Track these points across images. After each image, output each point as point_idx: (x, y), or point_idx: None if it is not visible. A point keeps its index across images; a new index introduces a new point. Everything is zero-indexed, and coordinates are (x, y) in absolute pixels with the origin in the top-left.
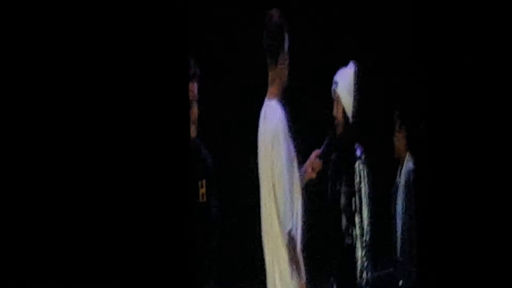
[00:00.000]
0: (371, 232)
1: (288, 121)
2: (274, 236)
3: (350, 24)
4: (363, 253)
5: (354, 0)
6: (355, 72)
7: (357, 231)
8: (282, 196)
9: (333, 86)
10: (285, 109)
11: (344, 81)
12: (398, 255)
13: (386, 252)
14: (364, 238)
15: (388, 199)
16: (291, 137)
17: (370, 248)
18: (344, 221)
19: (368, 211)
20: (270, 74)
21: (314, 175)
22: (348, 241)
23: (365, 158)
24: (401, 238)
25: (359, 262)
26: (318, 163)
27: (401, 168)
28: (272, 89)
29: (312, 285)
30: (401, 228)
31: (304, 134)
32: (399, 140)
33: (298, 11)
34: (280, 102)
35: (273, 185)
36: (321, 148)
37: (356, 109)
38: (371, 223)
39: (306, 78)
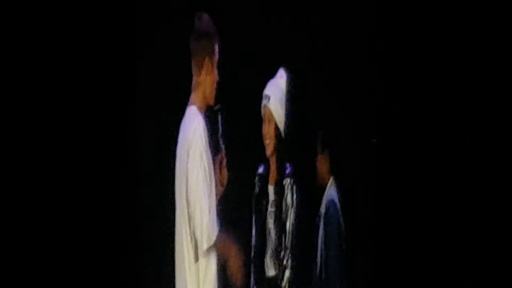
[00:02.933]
0: (295, 265)
1: (207, 130)
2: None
3: (284, 32)
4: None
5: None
6: (286, 80)
7: (282, 262)
8: (199, 213)
9: (264, 101)
10: (205, 117)
11: (276, 94)
12: None
13: None
14: (287, 271)
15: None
16: (210, 147)
17: (292, 284)
18: (269, 250)
19: (293, 242)
20: (194, 80)
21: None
22: (270, 272)
23: (294, 178)
24: (320, 277)
25: None
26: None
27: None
28: (194, 95)
29: None
30: (320, 266)
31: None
32: (322, 163)
33: (230, 16)
34: (199, 109)
35: (187, 202)
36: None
37: (288, 122)
38: (295, 256)
39: (234, 87)
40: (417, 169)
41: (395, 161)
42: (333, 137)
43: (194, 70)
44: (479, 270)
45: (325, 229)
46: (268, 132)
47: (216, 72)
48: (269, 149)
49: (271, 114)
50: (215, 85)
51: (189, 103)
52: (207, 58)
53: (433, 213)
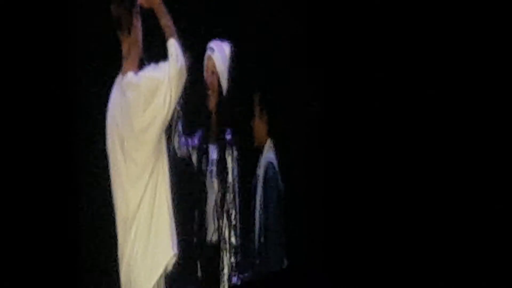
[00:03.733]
0: (237, 231)
1: None
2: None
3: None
4: (227, 254)
5: None
6: (230, 50)
7: (224, 229)
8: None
9: (209, 52)
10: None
11: (221, 51)
12: (256, 257)
13: (247, 254)
14: (229, 237)
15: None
16: None
17: (236, 250)
18: (210, 217)
19: (235, 207)
20: (124, 46)
21: None
22: (211, 235)
23: (234, 144)
24: (258, 239)
25: (223, 265)
26: None
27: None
28: (130, 61)
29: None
30: (259, 228)
31: None
32: (259, 126)
33: None
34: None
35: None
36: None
37: (230, 85)
38: (237, 221)
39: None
40: (355, 129)
41: (333, 123)
42: (270, 100)
43: (122, 36)
44: (418, 234)
45: (264, 191)
46: (211, 83)
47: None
48: (212, 101)
49: (214, 66)
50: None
51: (124, 71)
52: (133, 18)
53: (370, 173)
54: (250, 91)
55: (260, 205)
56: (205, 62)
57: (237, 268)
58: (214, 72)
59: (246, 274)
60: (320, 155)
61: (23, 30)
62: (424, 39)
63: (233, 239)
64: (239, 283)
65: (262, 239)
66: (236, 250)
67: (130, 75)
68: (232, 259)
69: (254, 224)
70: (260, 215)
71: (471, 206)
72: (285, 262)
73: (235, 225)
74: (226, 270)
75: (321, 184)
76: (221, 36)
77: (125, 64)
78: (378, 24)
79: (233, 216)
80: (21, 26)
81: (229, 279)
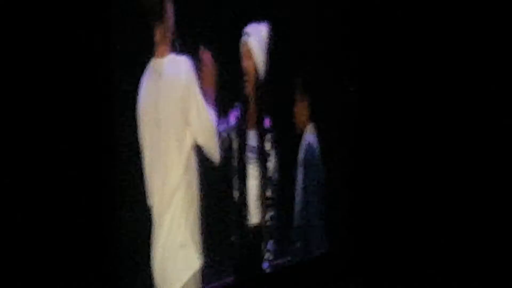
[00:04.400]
0: (276, 212)
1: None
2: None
3: None
4: (268, 235)
5: None
6: (267, 31)
7: (264, 215)
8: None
9: (244, 38)
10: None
11: (257, 35)
12: (297, 240)
13: (287, 237)
14: (268, 219)
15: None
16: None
17: (275, 231)
18: (250, 204)
19: (275, 193)
20: (158, 32)
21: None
22: (253, 220)
23: (273, 130)
24: (300, 222)
25: (263, 247)
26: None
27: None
28: (163, 47)
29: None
30: (300, 211)
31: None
32: (300, 110)
33: None
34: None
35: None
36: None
37: (268, 69)
38: (276, 205)
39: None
40: (395, 115)
41: (374, 108)
42: (311, 85)
43: (154, 23)
44: (454, 216)
45: (304, 175)
46: (247, 68)
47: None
48: (249, 86)
49: (250, 51)
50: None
51: (157, 55)
52: (165, 5)
53: (410, 157)
54: (289, 75)
55: (301, 189)
56: (241, 48)
57: (277, 252)
58: (250, 58)
59: (287, 259)
60: (358, 138)
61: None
62: (463, 23)
63: (273, 224)
64: (278, 267)
65: (303, 223)
66: (276, 235)
67: (168, 58)
68: (272, 244)
69: (294, 208)
70: (300, 199)
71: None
72: (327, 247)
73: (275, 210)
74: (266, 255)
75: (361, 168)
76: (258, 19)
77: (158, 49)
78: (416, 7)
79: (272, 201)
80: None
81: (270, 264)
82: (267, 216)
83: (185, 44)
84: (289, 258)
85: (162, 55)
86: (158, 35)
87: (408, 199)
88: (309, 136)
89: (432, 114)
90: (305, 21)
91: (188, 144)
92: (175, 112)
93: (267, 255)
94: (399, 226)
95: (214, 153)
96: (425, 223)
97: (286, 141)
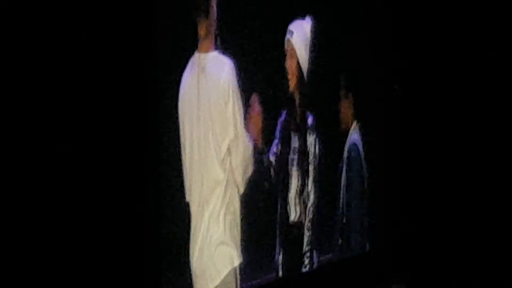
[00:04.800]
0: (317, 212)
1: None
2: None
3: None
4: (309, 233)
5: None
6: (311, 27)
7: (306, 208)
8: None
9: (288, 36)
10: (233, 60)
11: (300, 32)
12: (338, 238)
13: (328, 235)
14: (310, 217)
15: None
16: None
17: (316, 229)
18: (292, 203)
19: (316, 189)
20: (202, 27)
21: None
22: (294, 217)
23: (316, 128)
24: (342, 220)
25: (304, 243)
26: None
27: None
28: (207, 42)
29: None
30: (342, 209)
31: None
32: (345, 108)
33: None
34: (224, 53)
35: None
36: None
37: (311, 67)
38: (318, 202)
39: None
40: (439, 113)
41: (417, 106)
42: (356, 82)
43: (198, 18)
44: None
45: (347, 173)
46: (290, 66)
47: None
48: (292, 84)
49: (293, 49)
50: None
51: (200, 50)
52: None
53: (454, 156)
54: (333, 73)
55: (344, 187)
56: (285, 46)
57: (318, 249)
58: (293, 56)
59: (328, 256)
60: (403, 137)
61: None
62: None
63: (313, 220)
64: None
65: (344, 221)
66: (317, 234)
67: (212, 54)
68: (312, 242)
69: (337, 206)
70: (343, 197)
71: None
72: (367, 246)
73: (315, 210)
74: (308, 253)
75: (405, 167)
76: (302, 16)
77: (201, 44)
78: (462, 8)
79: (312, 202)
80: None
81: (311, 261)
82: (309, 216)
83: (228, 40)
84: (330, 256)
85: (206, 51)
86: (202, 30)
87: (452, 200)
88: (354, 134)
89: (477, 113)
90: (349, 18)
91: (227, 142)
92: (215, 108)
93: (307, 253)
94: (442, 228)
95: (250, 167)
96: (467, 226)
97: (330, 140)
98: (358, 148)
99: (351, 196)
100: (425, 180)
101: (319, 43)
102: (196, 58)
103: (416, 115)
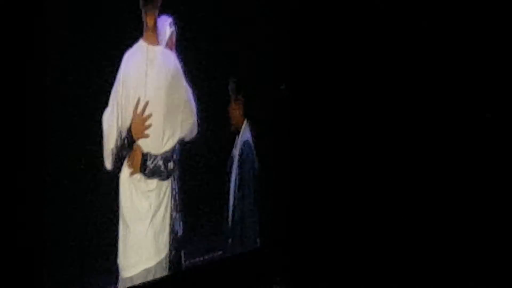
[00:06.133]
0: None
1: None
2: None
3: None
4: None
5: None
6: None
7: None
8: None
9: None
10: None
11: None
12: (229, 236)
13: (215, 234)
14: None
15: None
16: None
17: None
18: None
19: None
20: (151, 19)
21: None
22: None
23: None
24: (232, 218)
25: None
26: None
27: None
28: (154, 34)
29: None
30: (232, 207)
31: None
32: (235, 109)
33: None
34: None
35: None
36: None
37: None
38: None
39: None
40: (327, 110)
41: (306, 104)
42: (245, 84)
43: (145, 7)
44: (405, 205)
45: (240, 171)
46: None
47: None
48: None
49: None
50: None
51: (145, 41)
52: None
53: (343, 152)
54: (222, 75)
55: (235, 184)
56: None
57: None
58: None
59: (219, 253)
60: (289, 135)
61: None
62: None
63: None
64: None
65: (236, 219)
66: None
67: (160, 48)
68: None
69: (227, 204)
70: (234, 194)
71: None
72: (258, 242)
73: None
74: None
75: (290, 164)
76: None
77: (148, 35)
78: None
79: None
80: None
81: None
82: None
83: None
84: (220, 253)
85: (153, 43)
86: (150, 22)
87: (342, 196)
88: (246, 133)
89: (364, 110)
90: (237, 18)
91: None
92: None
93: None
94: (332, 225)
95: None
96: (357, 223)
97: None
98: (250, 145)
99: (243, 193)
100: (315, 177)
101: (208, 45)
102: (144, 48)
103: (304, 114)
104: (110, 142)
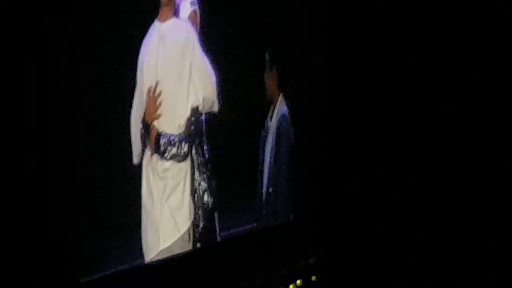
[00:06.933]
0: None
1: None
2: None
3: None
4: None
5: None
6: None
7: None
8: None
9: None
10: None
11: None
12: (263, 208)
13: (249, 206)
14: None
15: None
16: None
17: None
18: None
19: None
20: None
21: None
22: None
23: None
24: (267, 190)
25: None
26: None
27: (272, 112)
28: (168, 9)
29: None
30: (267, 179)
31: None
32: (270, 80)
33: None
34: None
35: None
36: None
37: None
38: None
39: None
40: (363, 82)
41: (341, 76)
42: (280, 55)
43: None
44: (425, 186)
45: (277, 143)
46: None
47: None
48: None
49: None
50: None
51: (161, 18)
52: None
53: (378, 126)
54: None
55: (271, 156)
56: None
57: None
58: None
59: (252, 225)
60: (324, 108)
61: None
62: None
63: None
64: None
65: (270, 191)
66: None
67: (171, 22)
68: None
69: (262, 176)
70: (270, 166)
71: None
72: (291, 216)
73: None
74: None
75: (324, 137)
76: None
77: (162, 12)
78: None
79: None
80: None
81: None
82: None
83: None
84: (255, 224)
85: (165, 19)
86: None
87: (377, 171)
88: (281, 105)
89: (396, 83)
90: None
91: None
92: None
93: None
94: (365, 201)
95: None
96: (390, 198)
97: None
98: (287, 118)
99: (279, 166)
100: (350, 150)
101: (241, 16)
102: (157, 27)
103: (339, 86)
104: (136, 135)
